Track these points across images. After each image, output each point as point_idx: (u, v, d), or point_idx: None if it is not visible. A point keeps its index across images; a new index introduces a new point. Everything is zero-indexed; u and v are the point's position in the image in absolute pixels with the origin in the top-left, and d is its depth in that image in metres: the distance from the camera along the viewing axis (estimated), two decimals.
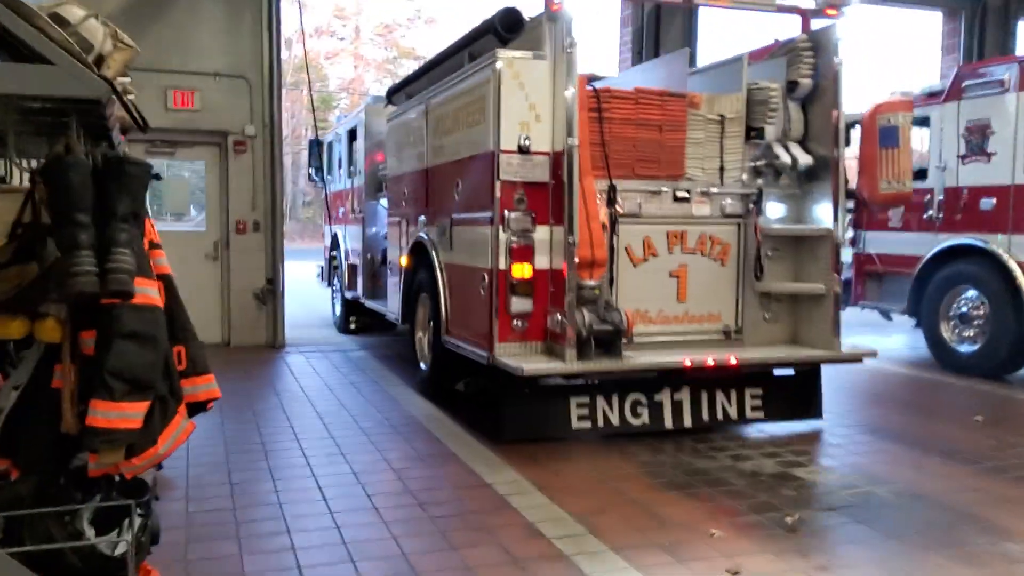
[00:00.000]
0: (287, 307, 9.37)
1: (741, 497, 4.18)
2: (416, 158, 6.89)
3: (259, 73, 8.85)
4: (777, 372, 5.76)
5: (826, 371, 5.92)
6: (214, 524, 3.77)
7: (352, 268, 9.78)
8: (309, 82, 12.24)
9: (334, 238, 10.89)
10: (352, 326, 10.13)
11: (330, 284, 11.29)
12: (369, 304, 9.06)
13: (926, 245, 8.18)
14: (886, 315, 9.20)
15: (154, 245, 2.79)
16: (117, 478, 2.67)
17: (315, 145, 11.44)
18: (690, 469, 4.66)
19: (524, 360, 4.93)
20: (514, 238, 5.07)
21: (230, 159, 8.88)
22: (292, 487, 4.29)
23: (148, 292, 2.57)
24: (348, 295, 9.96)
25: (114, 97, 2.53)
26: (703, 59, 9.40)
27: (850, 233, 9.34)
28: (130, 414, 2.46)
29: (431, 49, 62.17)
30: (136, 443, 2.55)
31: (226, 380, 7.13)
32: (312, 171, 11.40)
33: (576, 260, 4.94)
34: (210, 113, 8.76)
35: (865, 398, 6.91)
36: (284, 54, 51.82)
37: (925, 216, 8.20)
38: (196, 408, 3.01)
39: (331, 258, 11.04)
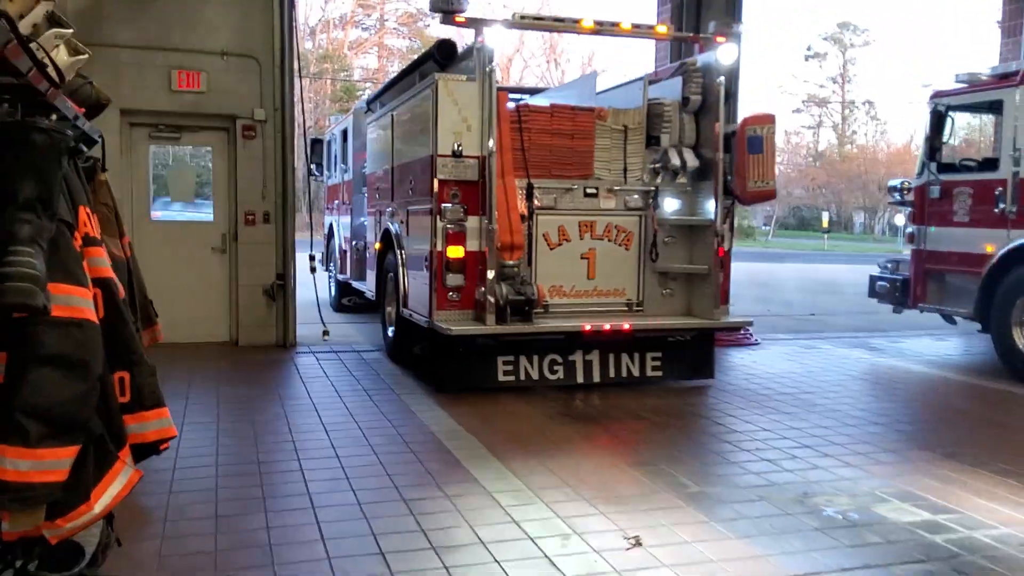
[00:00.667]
0: (300, 301, 8.79)
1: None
2: (385, 158, 8.00)
3: (270, 52, 8.24)
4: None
5: (880, 379, 5.85)
6: (189, 572, 3.16)
7: (343, 254, 10.89)
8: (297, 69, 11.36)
9: (330, 227, 12.12)
10: (346, 303, 11.30)
11: (327, 269, 12.26)
12: (355, 284, 10.13)
13: (997, 242, 7.42)
14: (949, 319, 8.46)
15: (90, 240, 2.15)
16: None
17: (315, 143, 12.55)
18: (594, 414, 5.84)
19: (454, 324, 6.13)
20: (449, 226, 6.23)
21: (238, 145, 8.29)
22: (287, 522, 3.67)
23: (75, 303, 1.93)
24: (340, 277, 11.22)
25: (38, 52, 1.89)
26: (755, 36, 8.70)
27: (910, 228, 8.62)
28: (51, 463, 1.83)
29: (457, 39, 61.67)
30: (61, 500, 1.93)
31: (229, 385, 6.59)
32: (313, 167, 11.54)
33: (497, 244, 6.10)
34: (217, 95, 8.17)
35: (933, 411, 6.21)
36: (308, 44, 51.65)
37: (996, 210, 7.44)
38: (145, 451, 2.38)
39: (327, 245, 12.37)
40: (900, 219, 48.74)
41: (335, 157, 11.66)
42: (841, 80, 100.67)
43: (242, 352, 8.11)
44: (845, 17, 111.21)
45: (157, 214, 8.45)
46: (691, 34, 7.54)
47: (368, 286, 9.02)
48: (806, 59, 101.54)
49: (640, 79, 7.06)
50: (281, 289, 8.40)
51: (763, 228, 72.69)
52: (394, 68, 58.75)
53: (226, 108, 8.22)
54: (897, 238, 63.48)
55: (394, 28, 61.27)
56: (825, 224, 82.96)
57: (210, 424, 5.35)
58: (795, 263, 31.86)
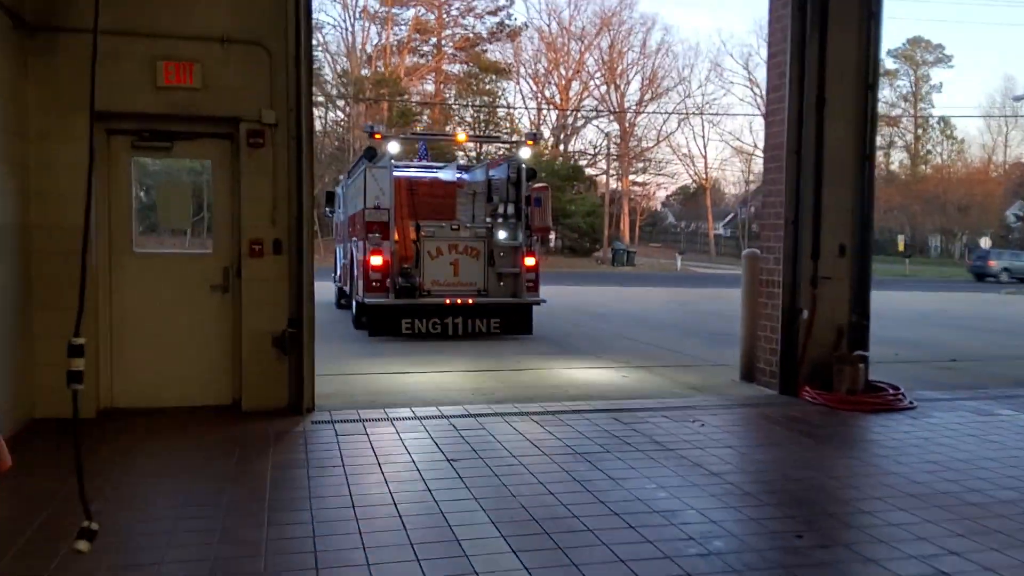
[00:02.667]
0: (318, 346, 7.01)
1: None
2: (348, 210, 14.70)
3: (281, 38, 6.49)
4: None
5: None
6: None
7: (342, 267, 15.31)
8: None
9: (335, 252, 17.26)
10: (343, 303, 14.97)
11: (336, 282, 16.70)
12: (346, 289, 14.40)
13: None
14: None
15: None
16: None
17: (330, 195, 18.18)
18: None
19: (371, 298, 11.31)
20: (371, 245, 11.29)
21: (243, 156, 6.53)
22: None
23: None
24: (338, 284, 16.18)
25: None
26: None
27: None
28: None
29: (515, 63, 60.51)
30: None
31: (195, 496, 4.32)
32: (327, 210, 18.44)
33: (398, 256, 11.43)
34: (216, 93, 6.45)
35: None
36: (364, 70, 50.92)
37: None
38: None
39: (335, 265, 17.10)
40: (986, 242, 45.26)
41: (339, 203, 16.59)
42: (913, 98, 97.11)
43: (244, 421, 6.28)
44: (916, 32, 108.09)
45: (143, 245, 6.73)
46: (528, 139, 12.55)
47: (349, 289, 13.72)
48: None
49: (483, 165, 13.49)
50: (295, 339, 6.57)
51: None
52: (450, 94, 57.91)
53: (227, 109, 6.49)
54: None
55: (451, 54, 60.46)
56: (901, 247, 79.25)
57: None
58: (885, 290, 29.19)
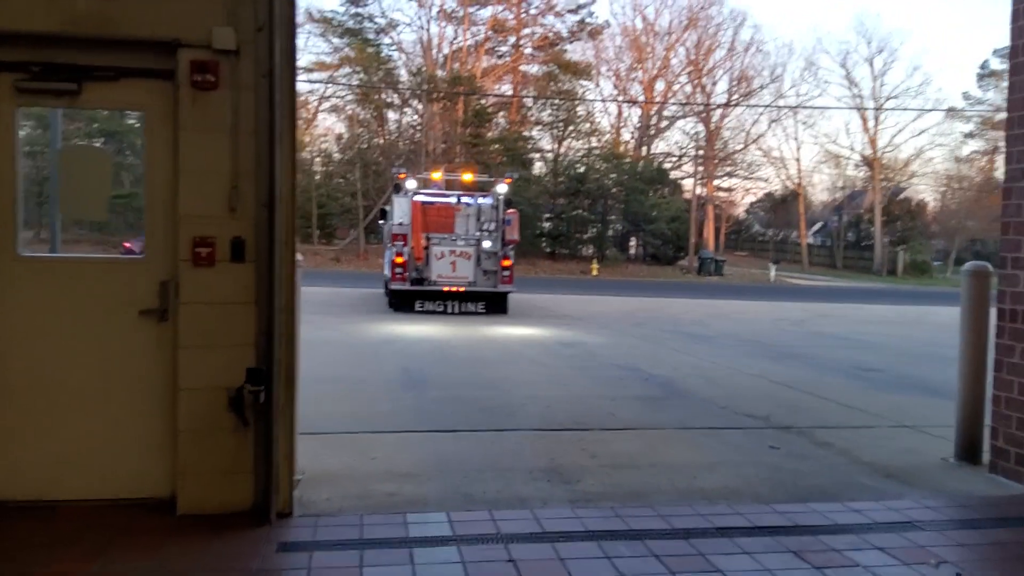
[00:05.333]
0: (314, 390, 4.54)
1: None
2: (386, 224, 19.41)
3: None
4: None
5: None
6: None
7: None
8: None
9: (385, 255, 19.48)
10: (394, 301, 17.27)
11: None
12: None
13: None
14: None
15: None
16: None
17: (383, 211, 21.47)
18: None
19: (396, 285, 15.99)
20: (396, 250, 16.00)
21: (183, 104, 4.05)
22: None
23: None
24: (386, 281, 18.62)
25: None
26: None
27: None
28: None
29: (596, 62, 57.71)
30: None
31: None
32: (381, 222, 23.20)
33: (413, 256, 15.95)
34: (143, 1, 4.00)
35: None
36: (440, 72, 49.01)
37: None
38: None
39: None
40: None
41: (388, 216, 18.83)
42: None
43: (177, 535, 3.79)
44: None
45: (33, 246, 4.29)
46: (507, 177, 17.87)
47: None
48: (980, 79, 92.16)
49: (476, 197, 17.77)
50: (261, 400, 4.04)
51: (937, 264, 64.43)
52: (529, 94, 55.43)
53: (160, 27, 4.02)
54: None
55: (530, 54, 57.98)
56: None
57: None
58: None
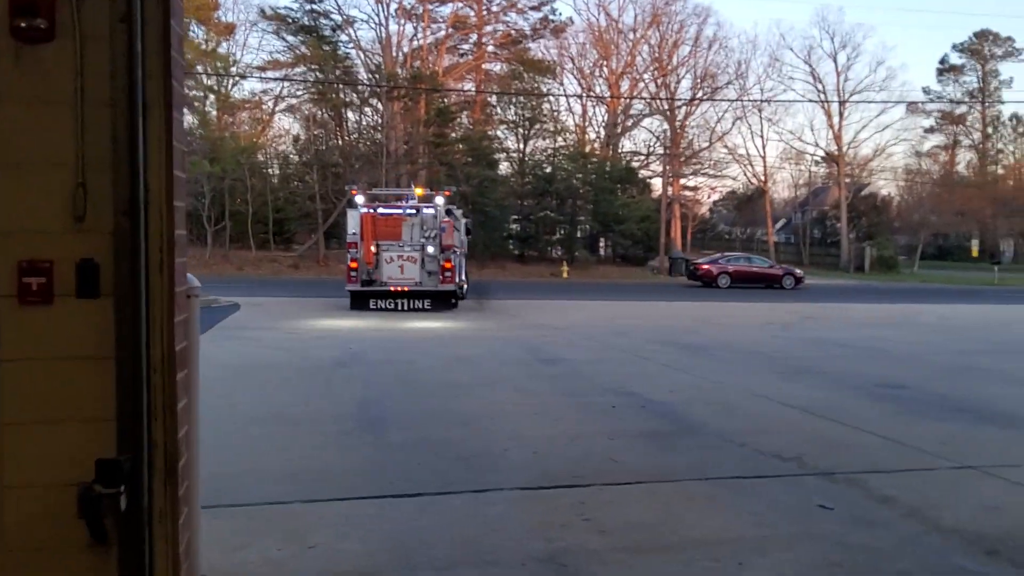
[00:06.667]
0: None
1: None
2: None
3: None
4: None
5: None
6: None
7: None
8: None
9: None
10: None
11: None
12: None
13: None
14: None
15: None
16: None
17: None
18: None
19: (350, 286, 18.51)
20: (350, 256, 18.50)
21: (3, 66, 2.67)
22: None
23: None
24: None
25: None
26: None
27: None
28: None
29: (560, 59, 56.57)
30: None
31: None
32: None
33: (364, 262, 18.36)
34: None
35: None
36: (400, 71, 47.44)
37: None
38: None
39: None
40: None
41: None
42: (981, 95, 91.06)
43: None
44: (983, 25, 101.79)
45: None
46: (447, 189, 21.74)
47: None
48: (939, 73, 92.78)
49: (421, 208, 19.16)
50: (124, 503, 2.68)
51: (903, 259, 64.41)
52: (493, 90, 54.09)
53: None
54: None
55: (493, 52, 56.57)
56: (975, 253, 73.49)
57: None
58: (997, 305, 24.53)
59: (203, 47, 45.88)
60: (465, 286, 23.01)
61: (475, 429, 6.62)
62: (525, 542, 4.09)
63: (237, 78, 46.71)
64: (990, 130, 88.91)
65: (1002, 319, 20.22)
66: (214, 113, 45.46)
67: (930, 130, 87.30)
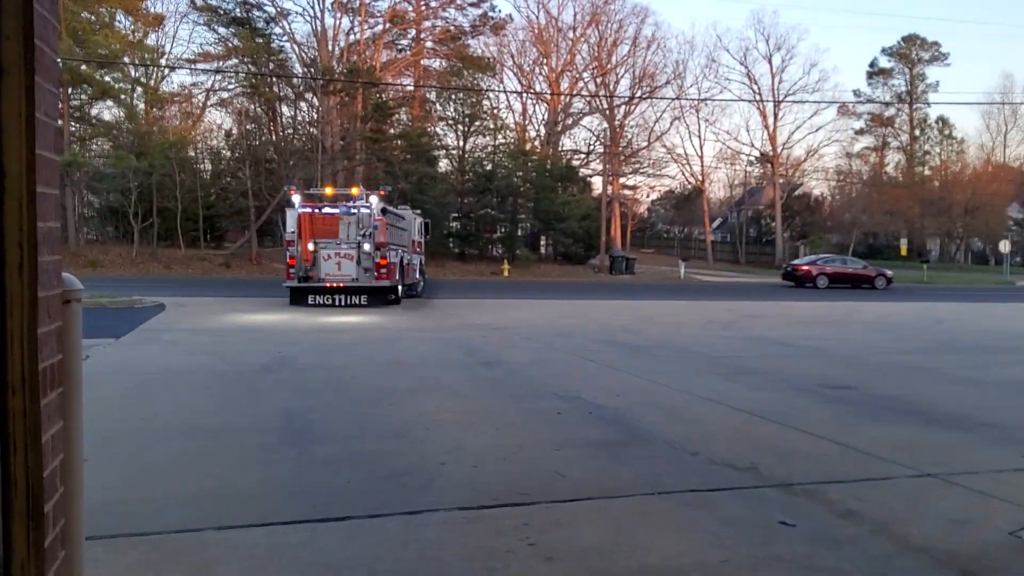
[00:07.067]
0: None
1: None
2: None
3: None
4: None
5: None
6: None
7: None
8: None
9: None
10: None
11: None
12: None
13: None
14: None
15: None
16: None
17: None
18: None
19: (288, 283, 19.29)
20: (289, 254, 19.41)
21: None
22: None
23: None
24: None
25: None
26: None
27: None
28: None
29: (499, 56, 56.12)
30: None
31: None
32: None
33: (301, 259, 19.15)
34: None
35: None
36: (336, 66, 46.40)
37: None
38: None
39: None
40: (1005, 245, 41.09)
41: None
42: (909, 97, 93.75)
43: None
44: (911, 29, 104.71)
45: None
46: (382, 189, 22.11)
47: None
48: (869, 76, 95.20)
49: (358, 207, 19.60)
50: None
51: None
52: (432, 89, 53.41)
53: None
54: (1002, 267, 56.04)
55: (431, 48, 55.87)
56: (903, 252, 75.65)
57: None
58: (929, 303, 25.02)
59: (130, 38, 44.15)
60: (422, 283, 24.57)
61: (411, 441, 6.16)
62: (465, 573, 3.67)
63: (166, 70, 45.15)
64: (917, 132, 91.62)
65: (935, 316, 20.54)
66: (142, 106, 43.80)
67: (860, 132, 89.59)
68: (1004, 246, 53.75)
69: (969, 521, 4.46)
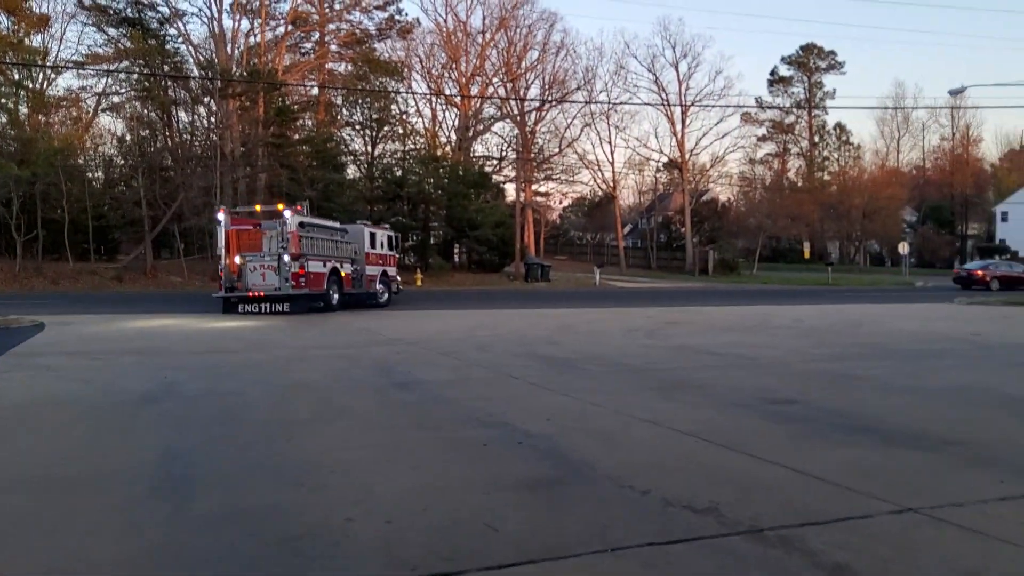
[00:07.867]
0: None
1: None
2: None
3: None
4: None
5: None
6: None
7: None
8: None
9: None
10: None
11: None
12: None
13: None
14: None
15: None
16: None
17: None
18: None
19: (217, 293, 21.83)
20: (219, 264, 22.08)
21: None
22: None
23: None
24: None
25: None
26: None
27: None
28: None
29: (407, 60, 54.94)
30: None
31: None
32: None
33: (228, 271, 21.55)
34: None
35: None
36: (235, 69, 44.37)
37: None
38: None
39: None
40: (904, 247, 42.48)
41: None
42: (808, 105, 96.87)
43: None
44: (809, 39, 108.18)
45: None
46: (296, 205, 22.08)
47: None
48: (770, 84, 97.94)
49: (278, 222, 21.55)
50: None
51: (743, 262, 67.08)
52: (338, 94, 51.84)
53: None
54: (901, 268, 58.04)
55: (336, 51, 54.30)
56: (807, 254, 77.73)
57: None
58: (840, 304, 25.25)
59: (11, 38, 41.17)
60: (387, 294, 25.94)
61: (310, 488, 5.17)
62: None
63: (51, 72, 42.29)
64: (816, 139, 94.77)
65: (850, 319, 20.54)
66: (25, 111, 40.88)
67: (763, 138, 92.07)
68: (903, 248, 55.72)
69: (974, 572, 3.79)
